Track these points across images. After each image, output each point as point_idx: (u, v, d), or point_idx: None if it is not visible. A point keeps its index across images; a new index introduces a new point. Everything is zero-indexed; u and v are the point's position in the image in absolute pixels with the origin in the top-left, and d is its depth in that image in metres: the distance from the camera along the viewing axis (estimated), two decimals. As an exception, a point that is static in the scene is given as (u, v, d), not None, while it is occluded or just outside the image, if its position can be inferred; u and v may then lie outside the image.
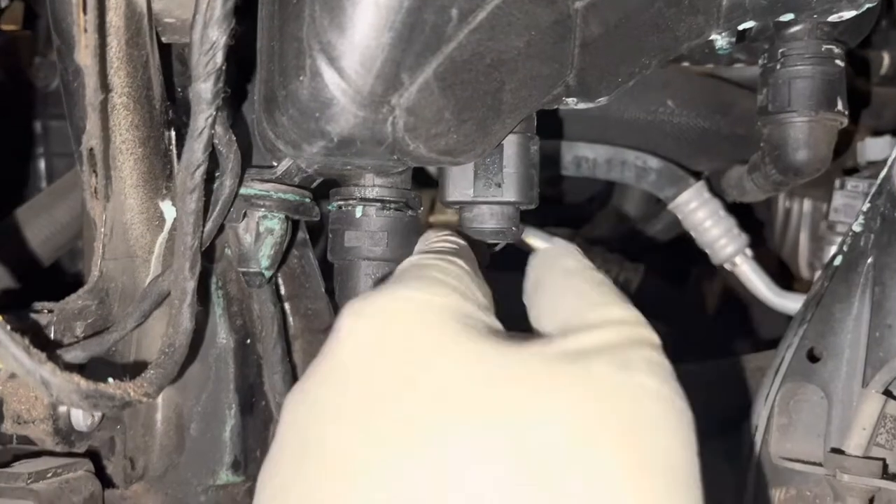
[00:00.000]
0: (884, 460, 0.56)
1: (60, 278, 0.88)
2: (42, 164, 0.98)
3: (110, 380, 0.43)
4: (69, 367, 0.41)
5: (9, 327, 0.39)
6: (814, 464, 0.59)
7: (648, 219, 0.99)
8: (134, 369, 0.52)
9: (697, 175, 0.91)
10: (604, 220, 1.04)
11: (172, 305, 0.48)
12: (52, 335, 0.48)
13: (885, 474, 0.56)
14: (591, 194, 1.07)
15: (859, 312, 0.61)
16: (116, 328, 0.47)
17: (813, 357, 0.62)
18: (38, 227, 0.77)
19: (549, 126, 0.82)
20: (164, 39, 0.53)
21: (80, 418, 0.49)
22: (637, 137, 0.85)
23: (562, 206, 1.07)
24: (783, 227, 1.03)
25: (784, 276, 1.01)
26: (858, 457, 0.57)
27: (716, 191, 0.88)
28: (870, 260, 0.61)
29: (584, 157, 0.84)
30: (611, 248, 0.99)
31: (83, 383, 0.40)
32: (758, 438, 0.62)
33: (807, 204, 1.01)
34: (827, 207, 0.93)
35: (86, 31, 0.41)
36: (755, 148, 0.75)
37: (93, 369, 0.49)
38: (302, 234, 0.66)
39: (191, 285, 0.48)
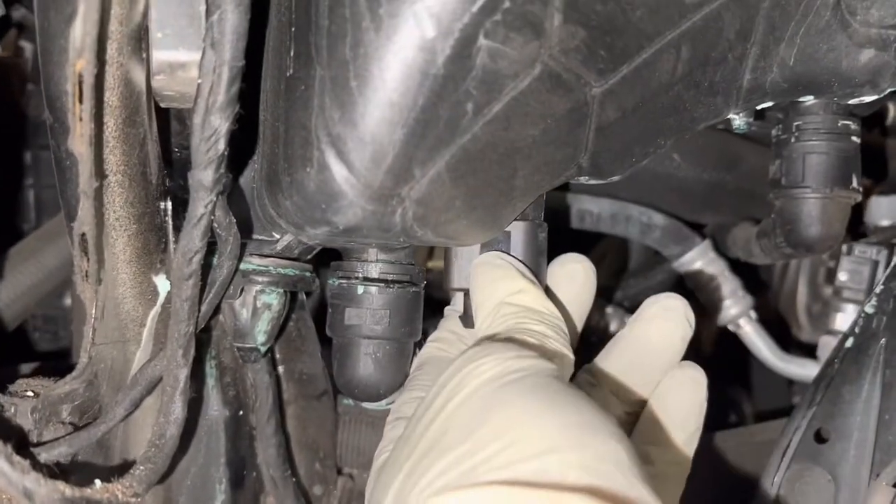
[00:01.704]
0: (893, 552, 0.55)
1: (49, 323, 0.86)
2: (31, 196, 0.95)
3: (97, 482, 0.41)
4: (53, 472, 0.39)
5: (-10, 433, 0.37)
6: (820, 551, 0.58)
7: (647, 270, 0.97)
8: (123, 457, 0.50)
9: (701, 228, 0.89)
10: (605, 269, 1.02)
11: (164, 392, 0.46)
12: (36, 421, 0.45)
13: (895, 568, 0.54)
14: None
15: (869, 395, 0.60)
16: (105, 419, 0.45)
17: (820, 438, 0.61)
18: (26, 272, 0.74)
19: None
20: (162, 105, 0.51)
21: (64, 506, 0.47)
22: (642, 190, 0.83)
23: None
24: (781, 274, 1.02)
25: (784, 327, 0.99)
26: (867, 550, 0.55)
27: (720, 247, 0.86)
28: (882, 342, 0.60)
29: (588, 210, 0.81)
30: (608, 297, 0.97)
31: (68, 491, 0.38)
32: (763, 521, 0.61)
33: (806, 252, 0.99)
34: (826, 257, 0.92)
35: (81, 119, 0.39)
36: (761, 203, 0.73)
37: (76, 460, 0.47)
38: (299, 296, 0.64)
39: (184, 373, 0.46)
